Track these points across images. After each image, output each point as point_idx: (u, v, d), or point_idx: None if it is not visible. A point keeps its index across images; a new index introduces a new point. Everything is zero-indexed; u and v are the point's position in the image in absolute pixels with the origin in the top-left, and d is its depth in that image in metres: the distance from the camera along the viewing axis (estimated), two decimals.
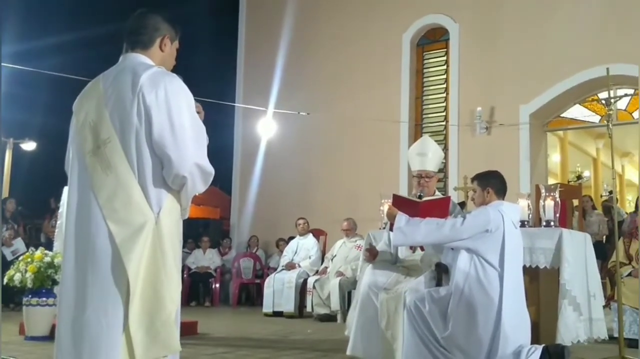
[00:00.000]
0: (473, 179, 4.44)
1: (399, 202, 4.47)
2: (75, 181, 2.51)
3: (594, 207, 10.47)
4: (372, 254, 4.89)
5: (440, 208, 4.44)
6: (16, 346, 5.60)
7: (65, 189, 2.48)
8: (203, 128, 2.53)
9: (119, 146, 2.41)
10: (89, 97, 2.57)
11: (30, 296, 6.26)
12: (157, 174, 2.43)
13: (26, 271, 6.21)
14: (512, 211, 4.22)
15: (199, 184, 2.50)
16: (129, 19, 2.66)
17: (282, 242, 11.67)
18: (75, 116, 2.59)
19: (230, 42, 14.23)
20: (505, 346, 3.90)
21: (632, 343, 6.04)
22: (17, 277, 6.22)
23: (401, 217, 4.22)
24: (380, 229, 5.44)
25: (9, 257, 9.46)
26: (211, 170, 2.52)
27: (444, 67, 11.48)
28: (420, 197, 4.82)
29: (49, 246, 7.71)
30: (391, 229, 4.35)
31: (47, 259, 6.30)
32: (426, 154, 5.07)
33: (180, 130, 2.41)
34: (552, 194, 5.31)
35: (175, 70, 2.64)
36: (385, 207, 4.69)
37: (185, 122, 2.44)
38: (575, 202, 9.09)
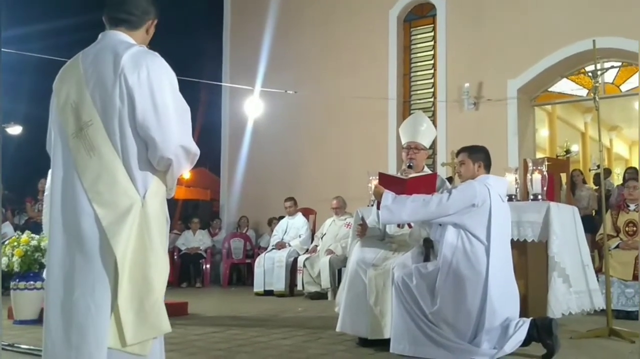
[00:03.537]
0: (460, 152, 4.41)
1: (385, 181, 4.46)
2: (60, 163, 2.47)
3: (584, 182, 10.49)
4: (363, 229, 4.89)
5: (426, 185, 4.42)
6: (5, 331, 5.58)
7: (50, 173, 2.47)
8: (187, 108, 2.49)
9: (102, 128, 2.37)
10: (69, 76, 2.51)
11: (17, 280, 6.22)
12: (142, 156, 2.40)
13: (13, 255, 6.17)
14: (498, 184, 4.22)
15: (184, 165, 2.48)
16: None
17: (274, 221, 11.65)
18: (55, 96, 2.53)
19: (216, 20, 14.08)
20: (493, 319, 3.91)
21: (619, 315, 6.10)
22: (4, 261, 6.17)
23: (387, 195, 4.21)
24: (368, 206, 5.43)
25: None
26: (196, 150, 2.49)
27: (432, 43, 11.41)
28: (410, 166, 4.80)
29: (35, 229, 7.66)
30: (378, 208, 4.33)
31: (34, 242, 6.26)
32: (418, 128, 5.04)
33: (163, 111, 2.37)
34: (539, 167, 5.32)
35: (161, 49, 2.58)
36: (373, 185, 4.67)
37: (169, 103, 2.39)
38: (564, 176, 9.11)
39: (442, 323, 3.97)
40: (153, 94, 2.36)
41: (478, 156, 4.30)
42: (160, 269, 2.40)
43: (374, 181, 4.74)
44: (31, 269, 6.18)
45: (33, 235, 6.38)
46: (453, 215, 4.06)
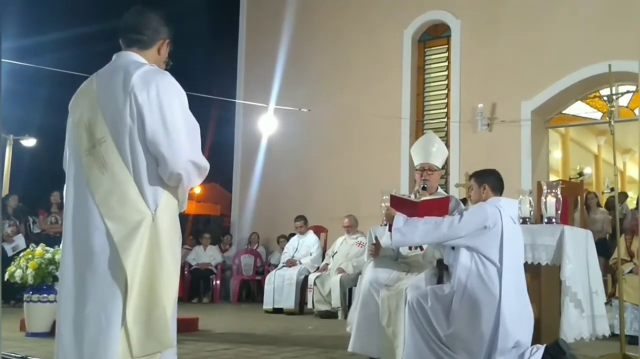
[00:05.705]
0: (470, 177, 4.42)
1: (397, 203, 4.42)
2: (72, 180, 2.52)
3: (598, 205, 10.41)
4: (377, 248, 4.88)
5: (439, 208, 4.37)
6: (17, 343, 5.60)
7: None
8: (196, 124, 2.53)
9: (114, 146, 2.42)
10: (83, 96, 2.57)
11: (31, 292, 6.26)
12: (152, 172, 2.44)
13: (27, 267, 6.22)
14: (510, 206, 4.20)
15: (194, 180, 2.52)
16: (126, 14, 2.62)
17: (282, 239, 11.67)
18: (71, 115, 2.59)
19: (230, 37, 14.22)
20: (506, 341, 3.89)
21: (633, 340, 6.04)
22: (18, 273, 6.22)
23: (399, 218, 4.19)
24: (381, 225, 5.43)
25: (10, 254, 9.48)
26: (206, 165, 2.53)
27: (446, 63, 11.46)
28: (424, 188, 4.80)
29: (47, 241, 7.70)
30: (390, 230, 4.32)
31: (48, 255, 6.30)
32: (430, 149, 5.05)
33: (173, 129, 2.41)
34: (553, 190, 5.29)
35: (176, 67, 2.62)
36: (387, 204, 4.66)
37: (178, 120, 2.44)
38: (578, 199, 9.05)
39: (456, 346, 3.95)
40: (162, 112, 2.40)
41: (483, 179, 4.30)
42: (169, 284, 2.42)
43: (388, 200, 4.73)
44: (45, 281, 6.23)
45: (47, 248, 6.42)
46: (465, 237, 4.04)
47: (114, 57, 2.60)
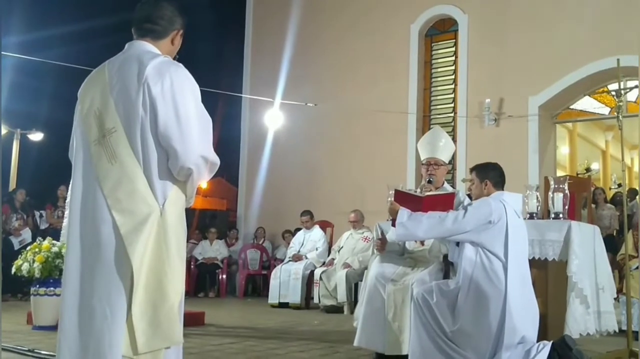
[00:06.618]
0: (472, 170, 4.39)
1: (402, 198, 4.39)
2: (80, 169, 2.49)
3: (606, 200, 10.35)
4: (383, 243, 4.87)
5: (444, 203, 4.35)
6: (24, 336, 5.63)
7: None
8: (209, 119, 2.51)
9: (124, 136, 2.39)
10: (94, 84, 2.54)
11: (38, 285, 6.29)
12: (162, 165, 2.41)
13: (34, 261, 6.24)
14: (514, 200, 4.18)
15: (204, 175, 2.50)
16: (140, 4, 2.60)
17: (288, 234, 11.68)
18: (80, 102, 2.56)
19: (237, 32, 14.22)
20: (512, 337, 3.87)
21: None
22: (25, 267, 6.24)
23: (403, 212, 4.17)
24: (387, 220, 5.41)
25: (16, 247, 9.52)
26: (217, 160, 2.50)
27: (453, 58, 11.42)
28: (430, 182, 4.78)
29: (54, 235, 7.72)
30: (393, 225, 4.30)
31: (55, 249, 6.32)
32: (437, 143, 5.04)
33: (185, 122, 2.39)
34: (561, 186, 5.27)
35: (182, 60, 2.60)
36: (393, 198, 4.64)
37: (191, 114, 2.41)
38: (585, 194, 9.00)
39: (462, 341, 3.93)
40: (176, 105, 2.38)
41: (485, 174, 4.26)
42: (176, 279, 2.40)
43: (393, 195, 4.70)
44: (52, 275, 6.25)
45: (54, 241, 6.44)
46: (470, 232, 4.01)
47: (126, 46, 2.57)
